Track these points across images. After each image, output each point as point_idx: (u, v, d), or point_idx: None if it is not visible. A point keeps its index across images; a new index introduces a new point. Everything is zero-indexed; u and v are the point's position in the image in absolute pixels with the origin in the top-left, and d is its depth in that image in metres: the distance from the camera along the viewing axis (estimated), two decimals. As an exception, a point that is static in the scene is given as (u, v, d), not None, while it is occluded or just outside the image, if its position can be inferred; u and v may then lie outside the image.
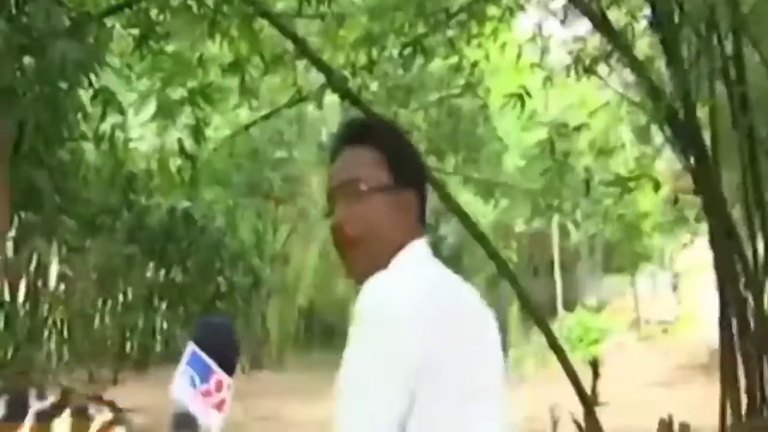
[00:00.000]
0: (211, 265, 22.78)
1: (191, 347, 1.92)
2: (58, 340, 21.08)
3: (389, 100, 11.43)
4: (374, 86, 11.74)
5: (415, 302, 1.73)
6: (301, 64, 10.29)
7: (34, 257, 19.95)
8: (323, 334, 31.48)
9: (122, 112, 9.09)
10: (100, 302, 22.36)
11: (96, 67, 8.29)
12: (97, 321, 22.36)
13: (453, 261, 29.40)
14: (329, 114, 20.02)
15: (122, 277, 21.88)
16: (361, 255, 1.93)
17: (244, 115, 15.18)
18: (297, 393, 19.87)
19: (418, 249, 1.94)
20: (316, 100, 9.72)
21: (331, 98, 12.76)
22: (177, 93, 10.07)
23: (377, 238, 1.91)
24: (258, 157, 21.69)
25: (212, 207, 22.21)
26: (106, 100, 8.24)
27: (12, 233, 17.27)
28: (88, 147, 14.17)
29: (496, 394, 1.89)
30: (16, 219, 15.93)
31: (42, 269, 20.44)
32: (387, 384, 1.68)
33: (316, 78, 10.36)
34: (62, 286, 21.02)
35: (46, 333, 20.64)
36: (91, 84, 8.31)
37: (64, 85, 7.92)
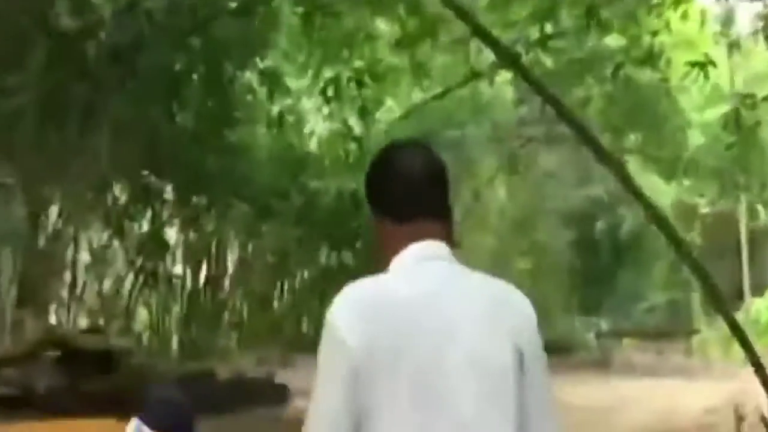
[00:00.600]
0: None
1: (135, 423, 2.06)
2: (237, 323, 21.55)
3: (564, 75, 10.96)
4: (549, 62, 11.30)
5: (347, 309, 1.93)
6: (472, 42, 9.95)
7: (213, 242, 20.45)
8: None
9: (290, 93, 9.01)
10: (275, 285, 22.74)
11: (262, 49, 8.20)
12: (273, 304, 22.75)
13: (631, 243, 28.46)
14: (502, 92, 19.62)
15: (296, 260, 22.13)
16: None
17: (416, 96, 15.04)
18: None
19: (398, 259, 2.09)
20: (488, 78, 9.42)
21: (503, 76, 12.38)
22: (344, 73, 9.89)
23: (377, 261, 2.15)
24: (429, 137, 21.45)
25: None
26: (273, 82, 8.16)
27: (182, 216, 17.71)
28: (259, 130, 14.26)
29: (475, 387, 1.91)
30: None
31: (221, 253, 20.93)
32: (332, 384, 1.88)
33: (487, 57, 10.01)
34: (240, 270, 21.45)
35: (226, 315, 21.15)
36: (257, 66, 8.24)
37: (230, 67, 7.86)
